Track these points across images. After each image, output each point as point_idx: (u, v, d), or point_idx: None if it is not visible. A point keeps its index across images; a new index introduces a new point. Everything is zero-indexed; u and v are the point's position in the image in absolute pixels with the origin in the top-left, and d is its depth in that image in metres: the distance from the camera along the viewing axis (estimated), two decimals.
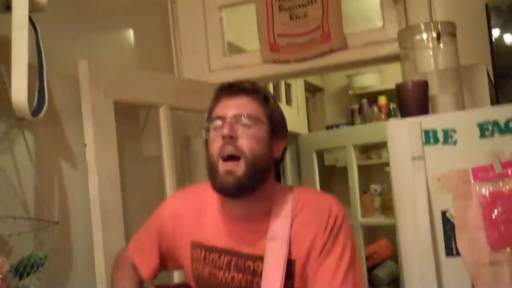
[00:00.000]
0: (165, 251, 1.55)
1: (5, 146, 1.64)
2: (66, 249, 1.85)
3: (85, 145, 1.87)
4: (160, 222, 1.55)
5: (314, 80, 4.37)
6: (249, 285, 1.41)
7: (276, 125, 1.44)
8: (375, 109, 4.35)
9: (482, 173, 1.72)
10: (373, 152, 4.26)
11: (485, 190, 1.71)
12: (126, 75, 2.10)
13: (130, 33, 2.40)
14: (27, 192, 1.70)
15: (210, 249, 1.46)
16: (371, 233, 4.28)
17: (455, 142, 1.75)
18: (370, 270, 4.07)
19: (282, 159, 1.49)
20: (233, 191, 1.37)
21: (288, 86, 3.95)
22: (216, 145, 1.38)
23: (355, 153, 4.03)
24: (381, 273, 4.09)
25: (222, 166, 1.36)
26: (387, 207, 4.02)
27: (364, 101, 4.41)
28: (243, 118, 1.38)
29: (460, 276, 1.71)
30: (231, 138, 1.36)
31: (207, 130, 1.42)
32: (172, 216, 1.53)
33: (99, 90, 1.92)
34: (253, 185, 1.38)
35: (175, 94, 2.30)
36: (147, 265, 1.55)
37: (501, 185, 1.70)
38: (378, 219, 4.10)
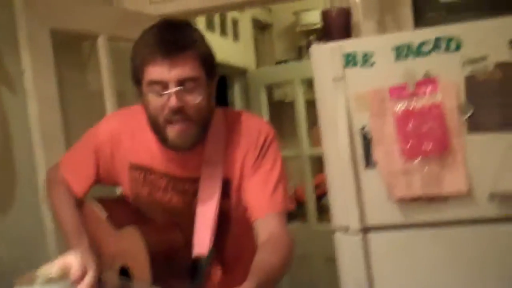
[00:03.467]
0: (103, 172, 1.54)
1: None
2: (10, 172, 1.92)
3: (23, 71, 1.92)
4: (98, 143, 1.53)
5: (262, 17, 4.41)
6: (188, 206, 1.46)
7: (208, 67, 1.38)
8: None
9: (397, 92, 1.85)
10: None
11: (399, 107, 1.86)
12: (62, 3, 2.11)
13: None
14: None
15: (149, 170, 1.48)
16: (320, 164, 4.39)
17: (372, 65, 1.87)
18: (320, 198, 4.06)
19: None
20: (186, 149, 1.39)
21: (235, 23, 4.00)
22: (160, 109, 1.33)
23: (304, 88, 4.08)
24: None
25: (172, 130, 1.34)
26: None
27: (312, 37, 4.48)
28: (186, 84, 1.32)
29: (377, 185, 1.87)
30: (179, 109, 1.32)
31: (142, 91, 1.36)
32: (110, 138, 1.51)
33: (35, 19, 1.95)
34: (203, 135, 1.41)
35: (114, 24, 2.32)
36: (81, 183, 1.55)
37: (413, 102, 1.85)
38: None
